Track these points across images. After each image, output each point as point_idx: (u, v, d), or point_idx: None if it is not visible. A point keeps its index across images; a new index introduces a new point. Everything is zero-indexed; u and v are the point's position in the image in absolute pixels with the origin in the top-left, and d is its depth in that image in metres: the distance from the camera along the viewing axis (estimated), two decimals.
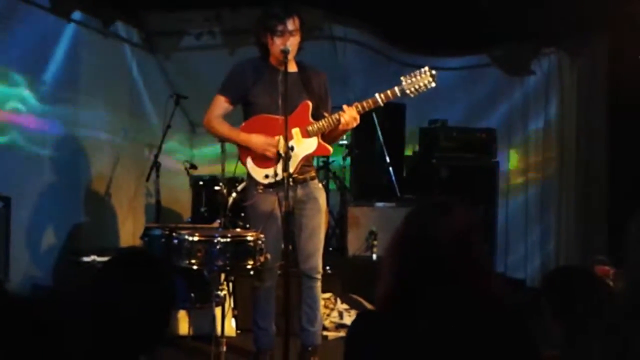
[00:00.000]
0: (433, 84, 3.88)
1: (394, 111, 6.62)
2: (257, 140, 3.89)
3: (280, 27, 3.81)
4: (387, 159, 6.42)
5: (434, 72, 3.88)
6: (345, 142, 6.34)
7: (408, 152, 7.00)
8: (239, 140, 3.97)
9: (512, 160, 7.03)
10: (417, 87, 3.87)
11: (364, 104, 3.87)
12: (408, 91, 3.87)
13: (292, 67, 3.95)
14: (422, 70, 3.88)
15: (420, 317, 1.80)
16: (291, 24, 3.82)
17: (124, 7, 6.35)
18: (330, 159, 6.38)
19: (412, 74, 3.87)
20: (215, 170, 5.96)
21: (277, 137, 3.84)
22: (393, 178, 6.40)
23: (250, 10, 5.91)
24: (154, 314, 1.85)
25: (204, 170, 6.50)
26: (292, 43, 3.83)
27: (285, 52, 3.74)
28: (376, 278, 1.92)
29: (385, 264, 1.93)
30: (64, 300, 1.87)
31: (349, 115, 3.84)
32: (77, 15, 5.87)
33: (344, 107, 3.87)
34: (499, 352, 1.79)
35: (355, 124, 3.88)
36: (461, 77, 7.14)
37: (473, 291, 1.83)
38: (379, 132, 6.40)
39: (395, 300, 1.85)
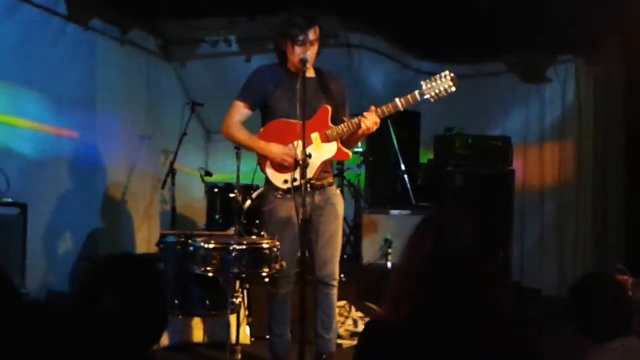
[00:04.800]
0: (454, 89, 3.84)
1: (410, 119, 6.61)
2: (275, 149, 3.89)
3: (301, 37, 3.81)
4: (402, 167, 6.40)
5: (454, 76, 3.84)
6: (360, 149, 6.33)
7: (423, 159, 6.98)
8: (258, 148, 3.96)
9: (528, 168, 6.99)
10: (437, 91, 3.84)
11: (384, 108, 3.86)
12: (428, 96, 3.84)
13: (310, 73, 3.95)
14: (443, 74, 3.85)
15: (429, 329, 1.80)
16: (312, 34, 3.82)
17: (141, 15, 6.39)
18: (345, 166, 6.38)
19: (433, 79, 3.84)
20: (231, 177, 5.97)
21: (295, 143, 3.84)
22: (408, 186, 6.38)
23: (267, 18, 5.95)
24: (146, 316, 1.85)
25: (219, 178, 6.51)
26: (312, 52, 3.83)
27: (304, 61, 3.75)
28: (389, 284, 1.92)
29: (398, 270, 1.92)
30: (66, 305, 1.87)
31: (371, 121, 3.83)
32: (95, 23, 5.92)
33: (365, 113, 3.85)
34: None
35: (375, 128, 3.87)
36: (477, 84, 7.11)
37: (483, 304, 1.82)
38: (394, 140, 6.39)
39: (405, 308, 1.84)
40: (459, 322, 1.80)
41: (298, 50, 3.82)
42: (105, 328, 1.78)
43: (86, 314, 1.80)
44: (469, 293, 1.82)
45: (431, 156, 6.95)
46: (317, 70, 4.03)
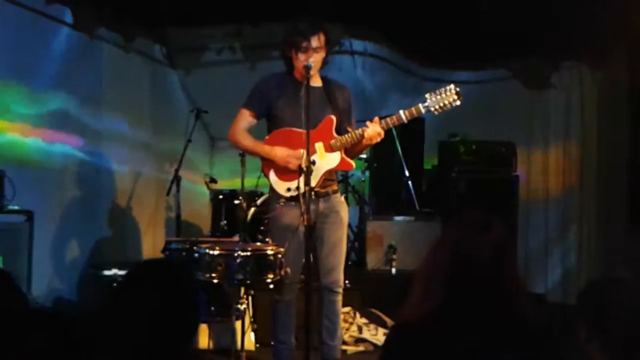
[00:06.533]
0: (458, 102, 3.84)
1: (413, 125, 6.59)
2: (279, 152, 3.92)
3: (304, 44, 3.83)
4: (406, 173, 6.40)
5: (459, 90, 3.84)
6: (364, 156, 6.33)
7: (427, 165, 6.98)
8: (263, 152, 3.99)
9: (532, 173, 6.99)
10: (441, 104, 3.84)
11: (388, 120, 3.88)
12: (433, 109, 3.85)
13: (317, 82, 3.98)
14: (448, 88, 3.85)
15: (451, 332, 1.81)
16: (315, 41, 3.84)
17: (146, 23, 6.43)
18: (349, 173, 6.38)
19: (437, 92, 3.83)
20: (235, 184, 5.99)
21: (300, 150, 3.86)
22: (412, 192, 6.38)
23: (271, 26, 5.98)
24: (180, 321, 1.86)
25: (223, 184, 6.53)
26: (316, 59, 3.85)
27: (307, 68, 3.77)
28: (409, 288, 1.93)
29: (420, 276, 1.94)
30: (90, 311, 1.89)
31: (373, 131, 3.85)
32: (100, 31, 5.95)
33: (368, 123, 3.88)
34: None
35: (378, 139, 3.89)
36: (481, 90, 7.11)
37: (501, 309, 1.84)
38: (398, 146, 6.39)
39: (427, 313, 1.86)
40: (481, 319, 1.81)
41: (301, 57, 3.85)
42: (132, 335, 1.79)
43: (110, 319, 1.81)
44: (489, 294, 1.84)
45: (435, 162, 6.95)
46: (324, 79, 4.05)
